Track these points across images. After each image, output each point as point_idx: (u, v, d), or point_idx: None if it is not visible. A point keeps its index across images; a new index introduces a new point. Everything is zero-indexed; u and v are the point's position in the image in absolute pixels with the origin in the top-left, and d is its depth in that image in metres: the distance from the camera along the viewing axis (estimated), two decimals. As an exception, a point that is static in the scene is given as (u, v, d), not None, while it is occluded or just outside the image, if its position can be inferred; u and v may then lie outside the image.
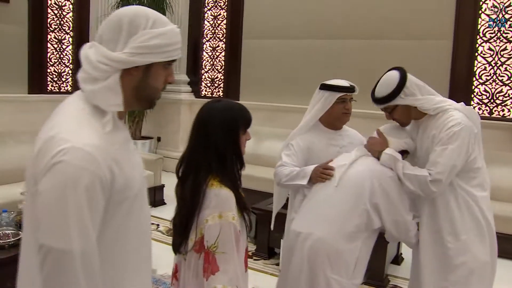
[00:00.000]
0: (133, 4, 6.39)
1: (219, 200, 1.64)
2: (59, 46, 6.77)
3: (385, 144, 2.38)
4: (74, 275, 1.11)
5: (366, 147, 2.45)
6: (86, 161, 1.12)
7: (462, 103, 2.35)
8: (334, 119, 2.59)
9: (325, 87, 2.56)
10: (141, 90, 1.30)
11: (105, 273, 1.22)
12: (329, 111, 2.55)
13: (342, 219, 2.26)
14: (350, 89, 2.55)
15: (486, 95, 5.63)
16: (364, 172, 2.31)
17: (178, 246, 1.73)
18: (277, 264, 4.02)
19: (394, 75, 2.33)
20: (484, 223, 2.31)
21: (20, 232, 3.01)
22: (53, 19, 6.63)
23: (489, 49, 5.58)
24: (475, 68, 5.66)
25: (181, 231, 1.71)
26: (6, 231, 3.01)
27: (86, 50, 1.26)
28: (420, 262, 2.40)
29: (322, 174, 2.40)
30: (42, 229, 1.11)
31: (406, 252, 4.08)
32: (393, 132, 2.45)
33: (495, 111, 5.60)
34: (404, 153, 2.43)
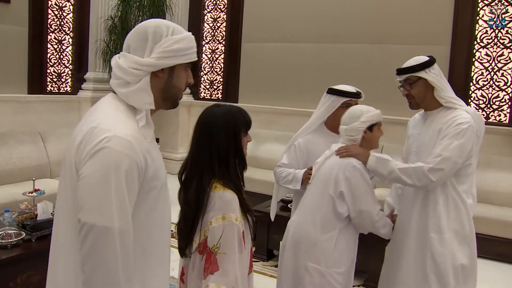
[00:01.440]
0: (133, 6, 6.46)
1: (223, 202, 1.68)
2: (59, 46, 6.77)
3: (366, 151, 2.40)
4: (113, 250, 1.23)
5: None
6: (126, 147, 1.27)
7: (474, 107, 2.42)
8: (338, 123, 2.64)
9: (332, 91, 2.64)
10: (167, 90, 1.48)
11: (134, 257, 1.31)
12: (334, 114, 2.62)
13: (312, 210, 2.38)
14: (356, 95, 2.63)
15: (483, 100, 5.68)
16: (333, 164, 2.39)
17: (183, 249, 1.77)
18: (276, 266, 4.05)
19: (424, 56, 2.42)
20: (468, 227, 2.36)
21: (22, 232, 3.03)
22: (53, 19, 6.63)
23: (486, 54, 5.64)
24: (472, 73, 5.72)
25: (186, 234, 1.75)
26: (8, 231, 3.02)
27: (117, 60, 1.43)
28: (403, 256, 2.43)
29: (308, 174, 2.52)
30: (85, 208, 1.24)
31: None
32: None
33: (491, 116, 5.65)
34: None
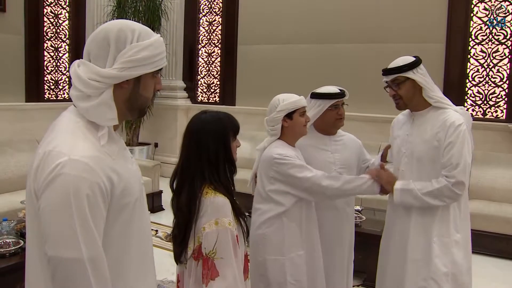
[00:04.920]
0: (128, 12, 6.48)
1: (215, 207, 1.68)
2: (56, 54, 6.81)
3: (393, 182, 2.38)
4: (86, 281, 1.15)
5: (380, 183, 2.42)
6: (84, 171, 1.16)
7: (462, 106, 2.42)
8: (328, 126, 2.62)
9: (316, 95, 2.59)
10: (133, 101, 1.34)
11: (111, 278, 1.25)
12: (322, 117, 2.57)
13: (253, 205, 2.44)
14: (341, 95, 2.59)
15: (479, 96, 5.70)
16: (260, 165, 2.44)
17: (178, 256, 1.78)
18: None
19: (410, 56, 2.41)
20: (466, 230, 2.36)
21: (21, 241, 3.04)
22: (49, 27, 6.67)
23: (481, 51, 5.65)
24: (468, 70, 5.73)
25: (180, 241, 1.75)
26: (6, 240, 3.03)
27: (76, 69, 1.28)
28: (407, 256, 2.41)
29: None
30: (50, 242, 1.16)
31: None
32: None
33: (488, 112, 5.66)
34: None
